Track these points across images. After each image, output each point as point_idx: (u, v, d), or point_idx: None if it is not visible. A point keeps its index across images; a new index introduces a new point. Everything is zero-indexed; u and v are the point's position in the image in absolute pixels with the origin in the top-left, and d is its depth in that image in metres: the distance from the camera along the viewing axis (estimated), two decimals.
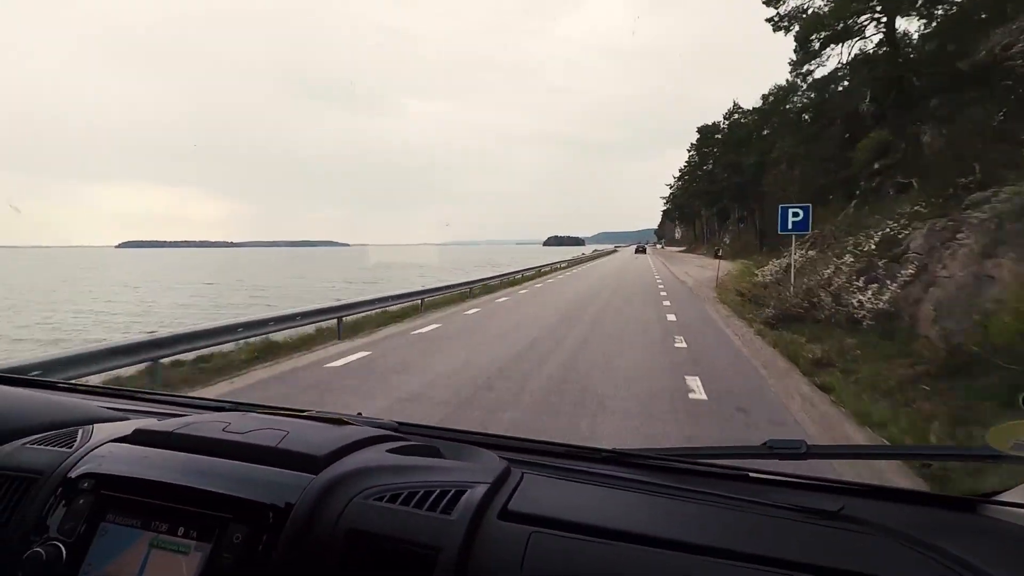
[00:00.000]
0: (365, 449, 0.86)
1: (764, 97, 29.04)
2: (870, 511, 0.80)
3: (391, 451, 0.88)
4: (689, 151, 55.87)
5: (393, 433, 0.98)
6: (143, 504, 0.76)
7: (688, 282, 20.07)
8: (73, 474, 0.81)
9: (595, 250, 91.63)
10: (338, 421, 0.98)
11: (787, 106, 23.75)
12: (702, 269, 25.55)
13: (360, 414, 1.09)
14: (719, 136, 48.01)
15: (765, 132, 32.10)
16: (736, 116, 43.36)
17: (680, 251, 75.89)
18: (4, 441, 0.91)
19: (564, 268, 31.30)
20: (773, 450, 0.90)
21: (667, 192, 73.67)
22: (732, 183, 41.60)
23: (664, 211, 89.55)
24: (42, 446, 0.89)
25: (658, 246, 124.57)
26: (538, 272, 25.20)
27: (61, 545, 0.75)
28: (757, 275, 14.40)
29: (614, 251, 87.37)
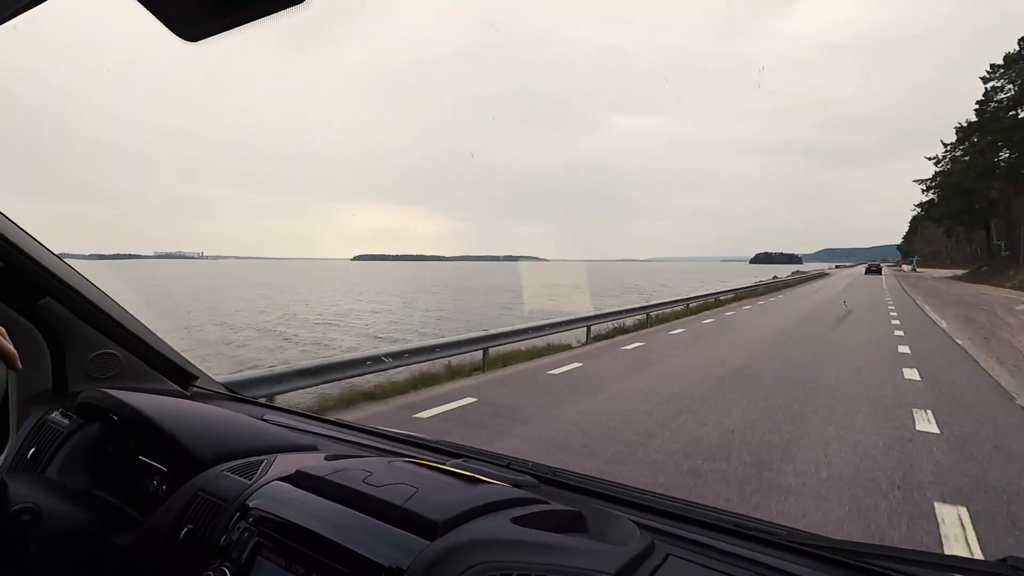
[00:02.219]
0: (489, 516, 0.82)
1: None
2: None
3: (518, 519, 0.82)
4: (988, 76, 28.14)
5: (528, 495, 0.90)
6: (289, 547, 0.81)
7: None
8: (249, 504, 0.88)
9: (795, 272, 54.16)
10: (472, 479, 0.92)
11: None
12: None
13: (509, 465, 1.08)
14: None
15: None
16: None
17: (953, 277, 41.87)
18: (210, 464, 1.02)
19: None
20: (1018, 570, 0.73)
21: (926, 184, 42.74)
22: None
23: (921, 212, 53.28)
24: (233, 475, 0.97)
25: (905, 267, 75.03)
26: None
27: (228, 572, 0.81)
28: None
29: (822, 275, 50.46)
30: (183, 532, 0.90)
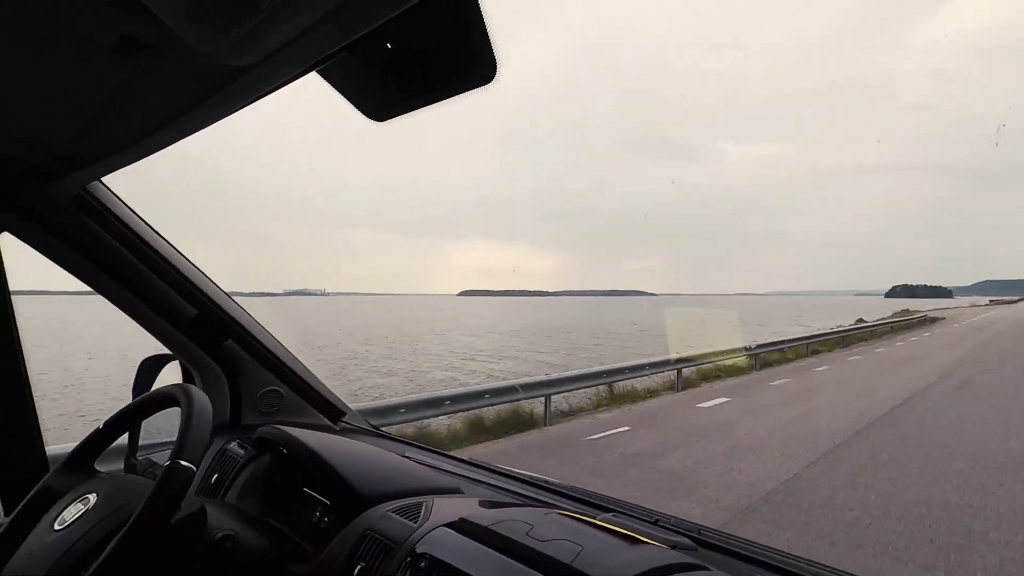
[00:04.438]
0: None
1: None
2: None
3: None
4: None
5: (689, 560, 0.87)
6: None
7: None
8: (418, 550, 0.92)
9: (904, 311, 37.13)
10: (632, 538, 0.91)
11: None
12: None
13: (657, 522, 1.07)
14: None
15: None
16: None
17: None
18: (370, 502, 1.10)
19: None
20: None
21: None
22: None
23: None
24: (397, 516, 1.03)
25: None
26: None
27: None
28: None
29: (927, 321, 28.45)
30: (357, 569, 0.95)
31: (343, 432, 1.70)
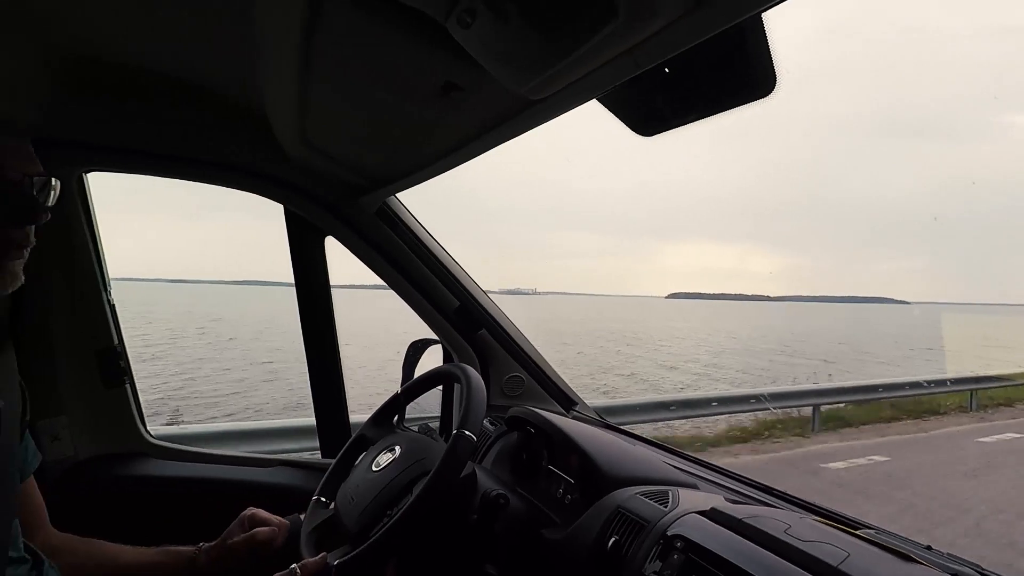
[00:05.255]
0: None
1: None
2: None
3: None
4: None
5: None
6: None
7: None
8: (669, 532, 0.94)
9: None
10: (903, 555, 0.84)
11: None
12: None
13: (929, 547, 0.92)
14: None
15: None
16: None
17: None
18: (614, 485, 1.15)
19: None
20: None
21: None
22: None
23: None
24: (646, 499, 1.06)
25: None
26: None
27: None
28: None
29: None
30: (611, 541, 1.01)
31: (575, 420, 1.81)
